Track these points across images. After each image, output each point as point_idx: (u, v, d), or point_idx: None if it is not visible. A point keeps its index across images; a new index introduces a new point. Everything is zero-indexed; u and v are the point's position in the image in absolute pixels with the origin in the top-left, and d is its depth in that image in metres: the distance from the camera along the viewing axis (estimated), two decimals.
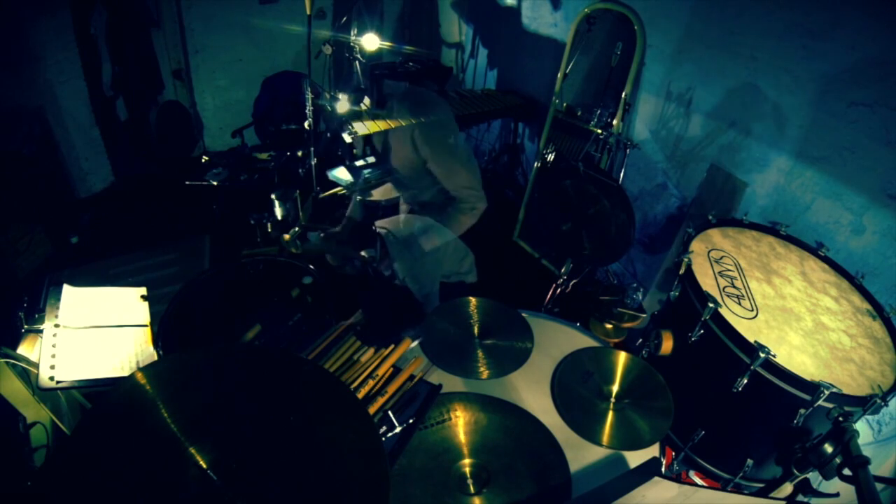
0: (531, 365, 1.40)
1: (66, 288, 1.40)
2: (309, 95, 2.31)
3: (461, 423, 1.20)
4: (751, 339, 1.28)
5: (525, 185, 3.60)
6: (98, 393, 1.24)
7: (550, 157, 3.11)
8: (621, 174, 2.50)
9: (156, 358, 1.34)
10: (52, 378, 1.17)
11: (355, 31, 2.13)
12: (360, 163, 2.31)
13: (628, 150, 2.48)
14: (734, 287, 1.50)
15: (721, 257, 1.61)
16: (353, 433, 0.92)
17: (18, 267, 2.75)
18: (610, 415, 1.29)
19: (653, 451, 1.25)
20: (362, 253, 2.06)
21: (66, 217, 3.26)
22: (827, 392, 1.19)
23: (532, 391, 1.37)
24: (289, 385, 0.97)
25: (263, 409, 0.94)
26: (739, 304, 1.44)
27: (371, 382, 1.26)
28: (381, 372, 1.29)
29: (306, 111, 2.36)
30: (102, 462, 0.82)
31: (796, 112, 2.02)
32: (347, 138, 1.99)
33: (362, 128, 1.97)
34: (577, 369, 1.42)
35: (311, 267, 1.74)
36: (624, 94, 2.67)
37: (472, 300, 1.58)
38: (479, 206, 2.11)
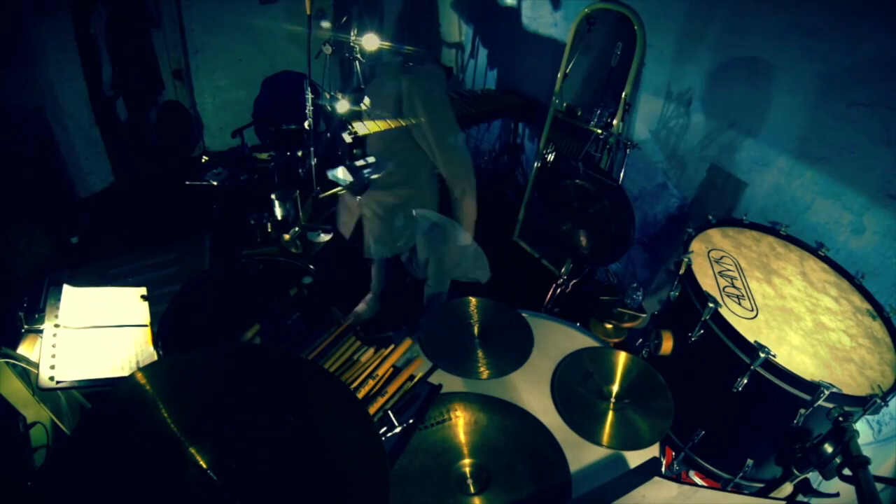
0: (531, 365, 1.40)
1: (66, 288, 1.40)
2: (309, 95, 2.31)
3: (461, 423, 1.20)
4: (751, 339, 1.28)
5: (525, 185, 3.60)
6: (98, 393, 1.24)
7: (550, 157, 3.11)
8: (621, 174, 2.50)
9: (156, 358, 1.34)
10: (52, 378, 1.17)
11: (355, 31, 2.13)
12: (360, 163, 2.31)
13: (628, 150, 2.48)
14: (734, 287, 1.50)
15: (721, 257, 1.61)
16: (353, 433, 0.91)
17: (18, 267, 2.75)
18: (610, 415, 1.29)
19: (653, 451, 1.25)
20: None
21: (66, 217, 3.26)
22: (827, 392, 1.19)
23: (532, 391, 1.37)
24: (289, 385, 0.97)
25: (263, 409, 0.94)
26: (739, 304, 1.44)
27: (371, 382, 1.26)
28: (381, 372, 1.29)
29: (306, 111, 2.36)
30: (102, 462, 0.82)
31: (796, 112, 2.02)
32: (347, 138, 2.00)
33: (362, 128, 1.97)
34: (577, 369, 1.42)
35: (311, 267, 1.74)
36: (624, 94, 2.67)
37: (472, 300, 1.57)
38: (470, 183, 2.11)
